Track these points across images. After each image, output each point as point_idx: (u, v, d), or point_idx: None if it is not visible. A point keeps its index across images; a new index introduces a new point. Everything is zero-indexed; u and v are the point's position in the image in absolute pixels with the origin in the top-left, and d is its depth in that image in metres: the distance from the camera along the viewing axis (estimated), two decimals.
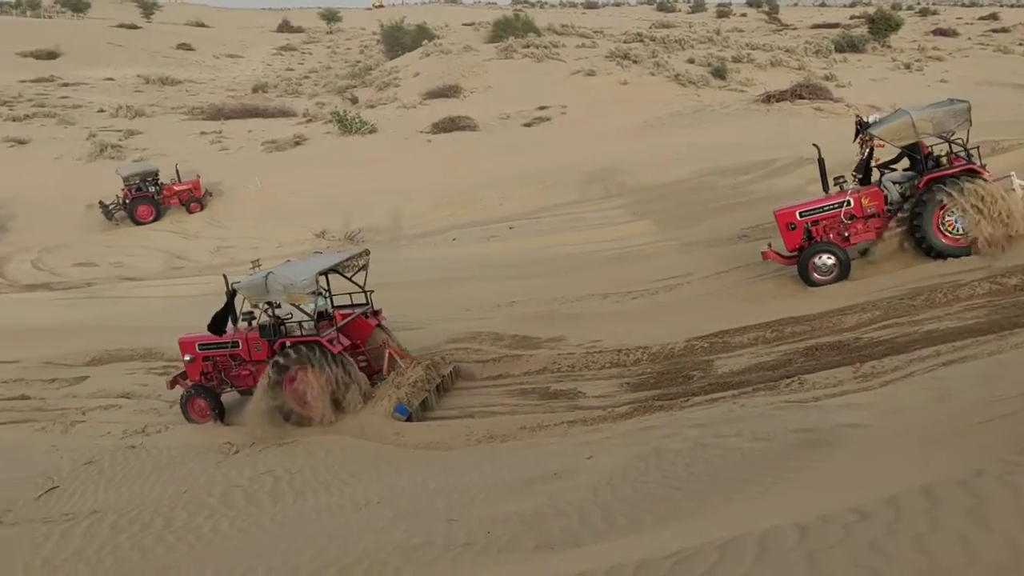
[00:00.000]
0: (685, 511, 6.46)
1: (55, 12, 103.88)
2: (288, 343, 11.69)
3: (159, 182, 30.53)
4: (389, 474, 9.45)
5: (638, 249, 18.82)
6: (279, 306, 12.07)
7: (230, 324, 12.45)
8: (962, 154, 13.29)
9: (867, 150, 13.88)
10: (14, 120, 48.34)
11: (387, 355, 12.53)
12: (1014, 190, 13.00)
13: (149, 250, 26.52)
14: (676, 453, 7.69)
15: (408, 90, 54.51)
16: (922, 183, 13.21)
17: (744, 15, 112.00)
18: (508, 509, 7.43)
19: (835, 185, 14.04)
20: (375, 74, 64.65)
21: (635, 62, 54.09)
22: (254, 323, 12.40)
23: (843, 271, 13.55)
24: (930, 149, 13.50)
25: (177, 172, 31.18)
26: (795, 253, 13.97)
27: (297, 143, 41.06)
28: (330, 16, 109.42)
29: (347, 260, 12.56)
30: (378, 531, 7.71)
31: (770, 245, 14.44)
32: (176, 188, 30.63)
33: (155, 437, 12.12)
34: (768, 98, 38.78)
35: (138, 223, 29.74)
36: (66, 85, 62.94)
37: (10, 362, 16.01)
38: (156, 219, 30.01)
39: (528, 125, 42.05)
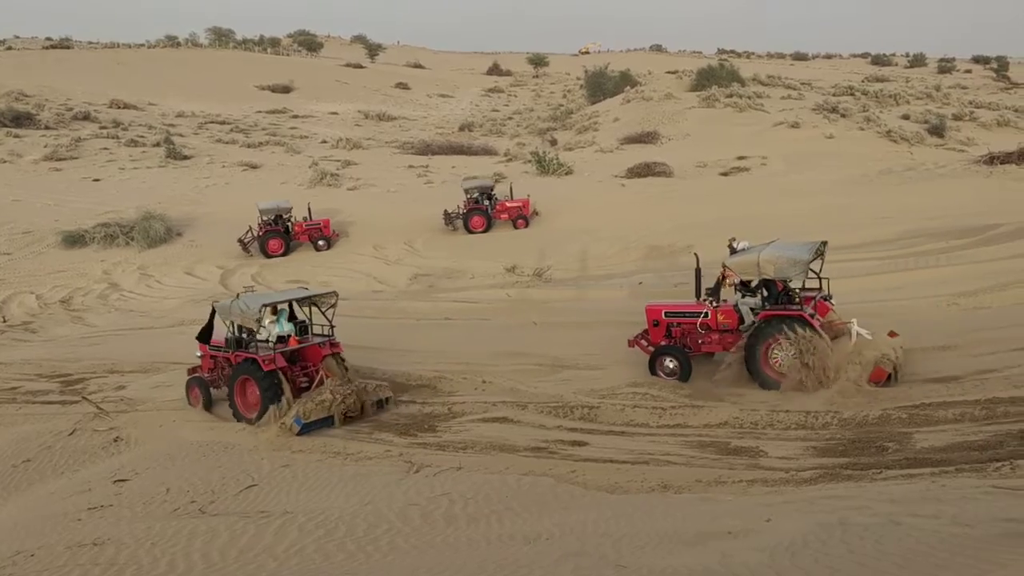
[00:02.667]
0: None
1: (292, 51, 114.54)
2: (241, 356, 14.54)
3: (493, 197, 32.90)
4: (560, 511, 9.46)
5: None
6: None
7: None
8: (811, 295, 14.28)
9: (720, 275, 14.50)
10: (249, 147, 53.49)
11: (319, 377, 14.52)
12: (851, 336, 13.49)
13: (354, 272, 28.25)
14: (864, 527, 7.21)
15: (606, 134, 55.20)
16: (760, 315, 13.94)
17: (969, 71, 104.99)
18: (678, 562, 7.25)
19: (706, 295, 14.75)
20: (576, 118, 66.05)
21: (843, 116, 52.01)
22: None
23: (684, 374, 14.43)
24: (784, 284, 14.06)
25: (511, 190, 33.59)
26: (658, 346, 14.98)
27: (496, 181, 42.55)
28: (537, 61, 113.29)
29: (310, 297, 15.08)
30: (545, 567, 7.73)
31: (646, 332, 15.28)
32: (508, 204, 32.79)
33: (341, 448, 12.87)
34: (991, 159, 35.91)
35: (471, 232, 32.12)
36: (296, 117, 68.99)
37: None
38: (486, 230, 32.14)
39: (725, 174, 41.32)
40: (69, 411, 15.99)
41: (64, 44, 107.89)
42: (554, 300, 22.23)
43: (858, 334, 13.52)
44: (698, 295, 14.89)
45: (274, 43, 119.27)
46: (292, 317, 15.55)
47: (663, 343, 14.98)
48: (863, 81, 79.43)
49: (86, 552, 9.18)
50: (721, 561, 7.03)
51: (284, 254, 31.23)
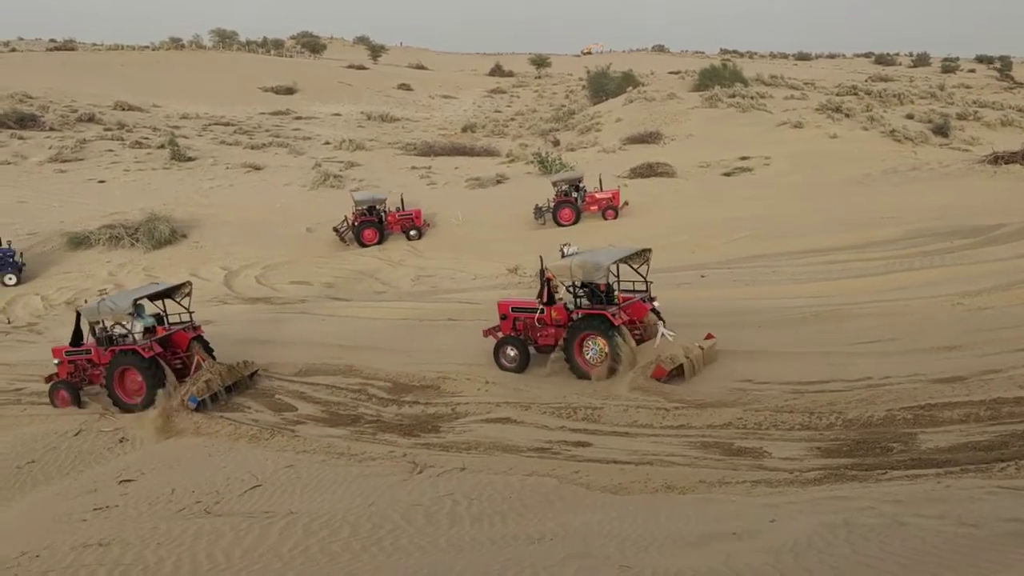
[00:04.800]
0: None
1: (295, 52, 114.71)
2: (116, 350, 15.67)
3: (582, 188, 33.17)
4: (564, 512, 9.47)
5: (836, 309, 17.92)
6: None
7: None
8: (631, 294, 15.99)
9: (545, 276, 16.06)
10: (252, 148, 53.50)
11: (195, 361, 16.12)
12: (662, 335, 15.00)
13: (356, 273, 28.27)
14: (869, 528, 7.21)
15: (609, 135, 55.19)
16: (572, 314, 15.66)
17: (972, 71, 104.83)
18: (682, 563, 7.27)
19: (537, 296, 16.41)
20: (578, 118, 66.00)
21: (847, 115, 51.99)
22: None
23: (523, 362, 16.10)
24: (608, 284, 15.62)
25: (600, 182, 33.90)
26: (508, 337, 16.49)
27: (499, 181, 42.60)
28: (540, 61, 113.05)
29: (166, 290, 16.88)
30: (549, 567, 7.74)
31: (500, 325, 16.77)
32: (598, 196, 33.14)
33: (344, 448, 12.88)
34: (995, 159, 35.91)
35: (560, 225, 32.40)
36: (299, 118, 68.98)
37: None
38: (576, 222, 32.40)
39: (728, 175, 41.33)
40: (74, 412, 16.04)
41: (68, 46, 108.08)
42: None
43: (663, 335, 15.06)
44: (548, 296, 16.39)
45: (277, 45, 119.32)
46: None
47: (509, 335, 16.56)
48: (867, 81, 79.39)
49: (92, 552, 9.21)
50: (725, 562, 7.05)
51: (379, 243, 32.09)
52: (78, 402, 16.42)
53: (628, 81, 71.72)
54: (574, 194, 33.10)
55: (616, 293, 15.95)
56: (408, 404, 15.11)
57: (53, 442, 14.28)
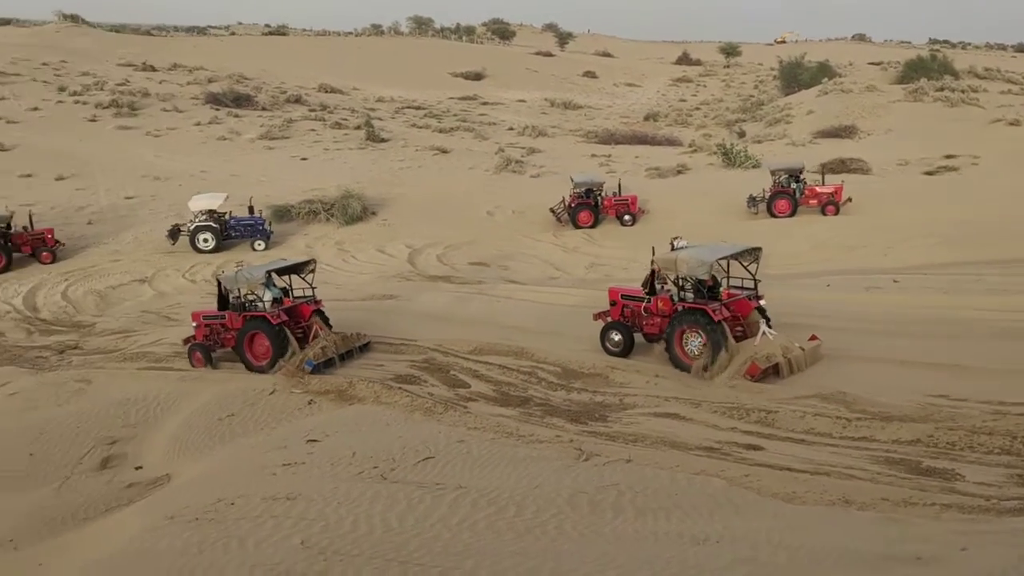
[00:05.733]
0: None
1: (486, 39, 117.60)
2: (247, 316, 17.45)
3: (802, 180, 32.38)
4: (731, 515, 9.22)
5: None
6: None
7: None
8: (736, 290, 16.33)
9: (652, 268, 16.62)
10: (440, 132, 55.43)
11: (313, 330, 17.67)
12: (763, 334, 15.26)
13: (532, 258, 28.69)
14: None
15: (799, 127, 52.84)
16: (676, 306, 16.16)
17: None
18: None
19: (659, 283, 17.04)
20: (766, 109, 63.60)
21: None
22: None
23: (627, 347, 16.80)
24: (714, 279, 16.06)
25: (823, 175, 33.50)
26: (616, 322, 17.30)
27: (679, 172, 41.83)
28: (730, 50, 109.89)
29: (294, 265, 18.51)
30: (715, 570, 7.58)
31: (609, 311, 17.56)
32: (818, 190, 32.10)
33: (514, 429, 13.13)
34: None
35: (774, 216, 31.72)
36: (485, 104, 70.76)
37: (411, 341, 18.45)
38: (791, 214, 31.55)
39: (930, 174, 38.53)
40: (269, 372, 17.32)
41: (281, 31, 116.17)
42: None
43: (763, 334, 15.31)
44: (650, 286, 17.01)
45: (469, 31, 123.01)
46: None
47: (617, 320, 17.29)
48: None
49: (280, 504, 9.89)
50: None
51: (592, 226, 32.64)
52: (211, 362, 17.97)
53: (823, 72, 68.31)
54: (793, 185, 31.62)
55: (721, 290, 16.29)
56: (576, 391, 15.21)
57: (251, 398, 15.43)
